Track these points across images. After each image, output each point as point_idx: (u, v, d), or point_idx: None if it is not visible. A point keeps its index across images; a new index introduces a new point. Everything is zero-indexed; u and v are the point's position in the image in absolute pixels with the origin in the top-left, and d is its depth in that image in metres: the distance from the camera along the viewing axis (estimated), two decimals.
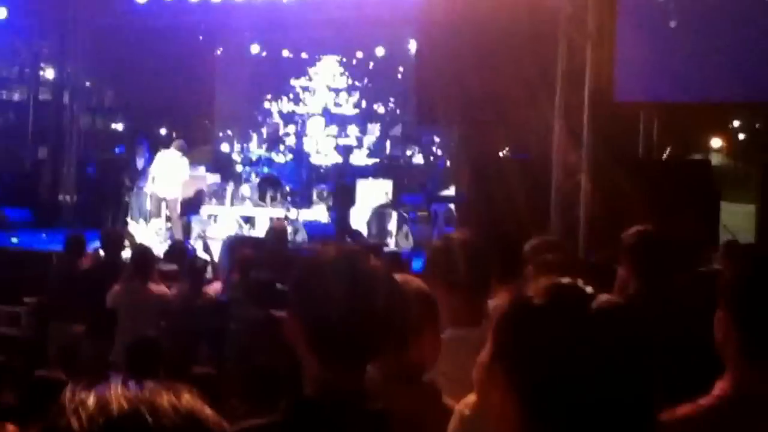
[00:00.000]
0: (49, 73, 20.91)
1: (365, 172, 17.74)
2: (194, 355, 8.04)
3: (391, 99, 20.34)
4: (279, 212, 15.74)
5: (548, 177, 11.62)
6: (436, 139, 19.32)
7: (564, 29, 11.55)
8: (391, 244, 14.77)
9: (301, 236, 14.83)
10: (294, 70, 20.83)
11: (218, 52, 21.23)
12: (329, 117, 20.22)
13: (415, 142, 19.38)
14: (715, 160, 21.55)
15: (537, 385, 1.42)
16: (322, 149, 19.34)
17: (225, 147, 20.57)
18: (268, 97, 20.88)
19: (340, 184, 16.04)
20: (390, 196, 16.35)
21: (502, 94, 11.35)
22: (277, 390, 5.14)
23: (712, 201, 11.34)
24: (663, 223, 5.56)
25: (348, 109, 20.56)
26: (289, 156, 18.69)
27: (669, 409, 1.97)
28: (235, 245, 11.20)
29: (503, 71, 11.43)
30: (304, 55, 20.76)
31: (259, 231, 14.97)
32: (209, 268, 9.98)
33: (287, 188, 16.89)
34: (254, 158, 18.62)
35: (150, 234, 14.85)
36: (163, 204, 15.20)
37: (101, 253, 10.14)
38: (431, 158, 19.09)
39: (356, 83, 20.60)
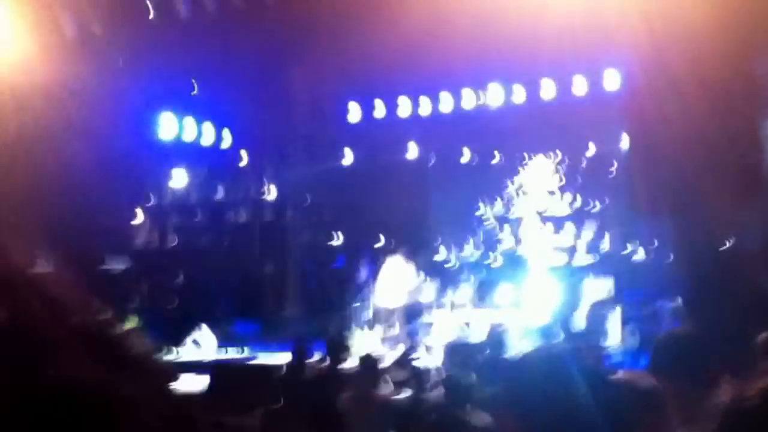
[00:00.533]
0: (271, 193, 22.05)
1: (585, 271, 17.41)
2: None
3: (607, 195, 19.99)
4: (498, 315, 15.66)
5: None
6: (656, 233, 18.75)
7: None
8: (616, 341, 14.34)
9: (522, 339, 14.65)
10: (506, 173, 20.96)
11: (431, 161, 21.74)
12: (544, 218, 20.10)
13: (635, 237, 18.88)
14: None
15: None
16: (538, 250, 19.19)
17: (442, 253, 20.80)
18: (482, 201, 21.06)
19: (565, 286, 15.78)
20: (612, 293, 15.94)
21: (722, 183, 10.98)
22: None
23: None
24: None
25: (563, 208, 20.37)
26: (505, 259, 18.66)
27: None
28: (457, 350, 11.21)
29: (722, 161, 11.10)
30: (515, 158, 20.89)
31: (479, 335, 14.92)
32: (434, 374, 10.03)
33: (506, 291, 16.82)
34: (471, 262, 18.71)
35: (374, 342, 15.12)
36: (386, 312, 15.50)
37: (327, 361, 10.40)
38: (652, 253, 18.48)
39: (569, 182, 20.42)
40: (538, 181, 20.63)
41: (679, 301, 13.82)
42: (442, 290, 17.55)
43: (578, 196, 20.29)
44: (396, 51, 14.73)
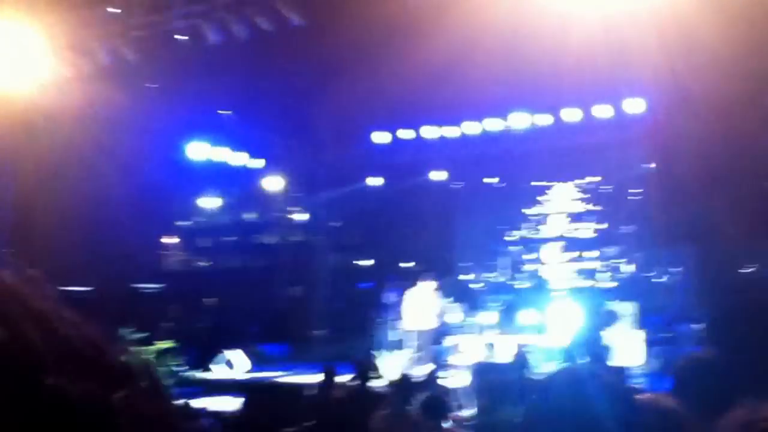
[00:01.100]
0: (299, 217, 22.36)
1: (608, 294, 17.53)
2: None
3: (629, 220, 20.16)
4: (524, 339, 15.80)
5: None
6: (678, 258, 18.88)
7: None
8: (639, 363, 14.49)
9: (546, 362, 14.81)
10: (530, 197, 21.18)
11: (456, 186, 21.99)
12: (568, 242, 20.30)
13: (656, 262, 19.02)
14: None
15: None
16: (562, 274, 19.38)
17: (467, 276, 20.99)
18: (507, 225, 21.27)
19: (589, 309, 15.86)
20: (635, 316, 16.06)
21: (743, 209, 11.13)
22: None
23: None
24: None
25: (586, 233, 20.56)
26: (530, 282, 18.82)
27: None
28: (482, 372, 11.39)
29: (743, 187, 11.24)
30: (539, 183, 21.11)
31: (504, 357, 15.07)
32: (459, 396, 10.22)
33: (530, 314, 16.95)
34: (495, 286, 18.88)
35: (399, 364, 15.32)
36: (411, 335, 15.73)
37: (357, 381, 10.59)
38: (675, 277, 18.60)
39: (592, 207, 20.63)
40: (563, 206, 20.84)
41: (701, 325, 13.93)
42: (468, 312, 17.74)
43: (602, 221, 20.48)
44: (422, 80, 15.01)
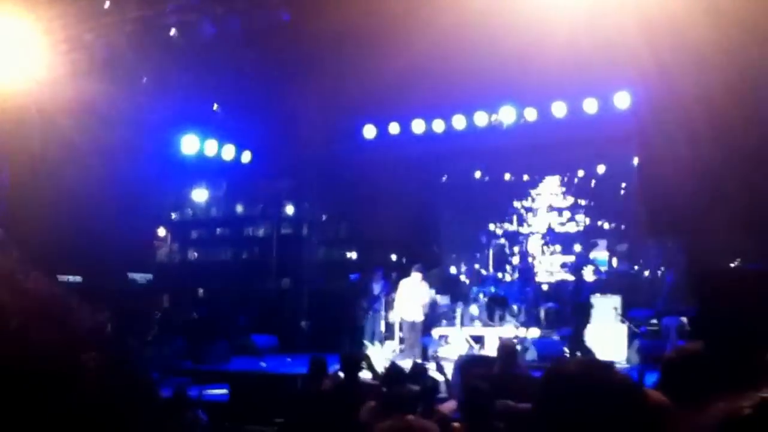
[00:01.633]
0: (289, 210, 22.44)
1: (592, 289, 17.67)
2: None
3: (616, 215, 20.33)
4: (508, 331, 15.95)
5: None
6: (662, 252, 19.05)
7: None
8: (621, 358, 14.64)
9: (531, 354, 14.97)
10: (516, 191, 21.32)
11: (443, 179, 22.10)
12: (553, 236, 20.46)
13: (641, 256, 19.19)
14: None
15: None
16: (547, 268, 19.53)
17: (453, 269, 21.12)
18: (492, 219, 21.41)
19: (577, 303, 16.00)
20: (619, 311, 16.22)
21: (730, 201, 11.23)
22: None
23: None
24: None
25: (572, 227, 20.73)
26: (515, 275, 18.96)
27: None
28: (466, 365, 11.51)
29: (730, 178, 11.35)
30: (525, 177, 21.25)
31: (489, 350, 15.22)
32: (443, 388, 10.31)
33: (515, 307, 17.09)
34: (481, 279, 19.01)
35: (385, 355, 15.45)
36: (398, 327, 15.86)
37: (341, 374, 10.70)
38: (659, 271, 18.78)
39: (579, 202, 20.78)
40: (548, 200, 20.99)
41: (684, 319, 14.09)
42: (452, 305, 17.87)
43: (587, 215, 20.64)
44: (410, 74, 15.08)
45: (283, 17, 13.39)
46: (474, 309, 17.40)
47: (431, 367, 13.08)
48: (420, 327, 16.02)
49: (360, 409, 8.84)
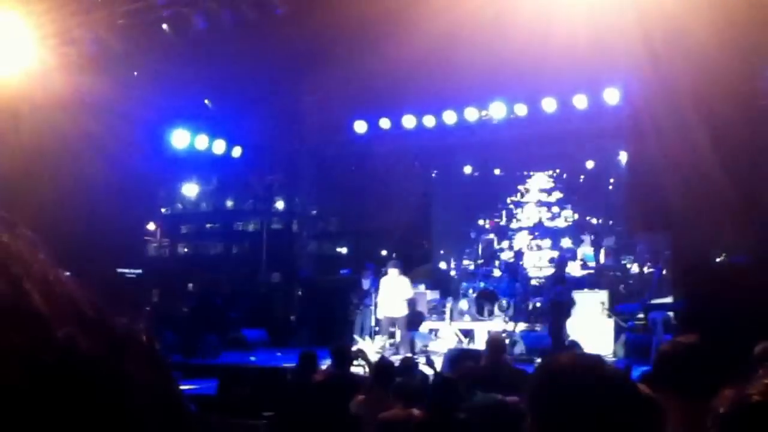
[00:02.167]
0: (279, 204, 22.48)
1: (580, 284, 17.75)
2: None
3: (604, 210, 20.43)
4: (497, 325, 16.01)
5: None
6: (651, 247, 19.13)
7: None
8: (608, 352, 14.73)
9: (519, 348, 15.04)
10: (506, 186, 21.40)
11: (433, 174, 22.16)
12: (542, 231, 20.54)
13: (629, 251, 19.28)
14: None
15: None
16: (535, 262, 19.61)
17: (443, 264, 21.17)
18: (482, 214, 21.49)
19: (554, 298, 16.09)
20: (606, 305, 16.30)
21: (717, 197, 11.30)
22: None
23: None
24: None
25: (560, 222, 20.82)
26: (504, 270, 19.01)
27: None
28: (456, 359, 11.56)
29: (717, 175, 11.41)
30: (515, 172, 21.33)
31: (479, 344, 15.28)
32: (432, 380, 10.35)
33: (504, 301, 17.14)
34: (471, 273, 19.07)
35: (375, 350, 15.48)
36: (388, 321, 15.91)
37: (332, 368, 10.72)
38: (646, 266, 18.86)
39: (568, 197, 20.88)
40: (537, 195, 21.08)
41: (671, 313, 14.17)
42: (441, 300, 17.93)
43: (575, 210, 20.74)
44: (401, 69, 15.13)
45: (276, 12, 13.41)
46: (463, 303, 17.46)
47: (421, 361, 13.15)
48: (404, 322, 16.06)
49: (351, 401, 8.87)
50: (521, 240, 20.59)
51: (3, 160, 14.62)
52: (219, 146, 19.65)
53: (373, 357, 13.73)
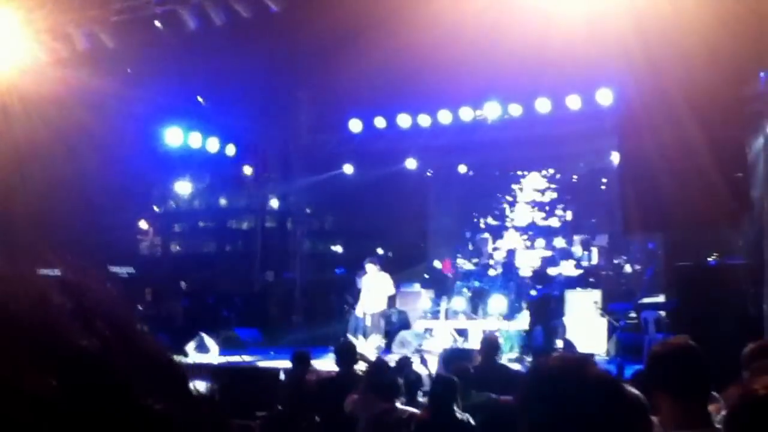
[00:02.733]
0: (273, 203, 22.42)
1: (573, 283, 17.77)
2: None
3: (596, 210, 20.45)
4: (491, 324, 16.02)
5: (762, 281, 11.42)
6: (642, 247, 19.16)
7: None
8: (601, 351, 14.75)
9: (514, 347, 15.05)
10: (500, 186, 21.41)
11: (428, 174, 22.15)
12: (536, 230, 20.56)
13: (622, 251, 19.30)
14: None
15: None
16: (529, 262, 19.61)
17: (437, 263, 21.17)
18: (477, 213, 21.49)
19: (540, 297, 16.06)
20: (598, 304, 16.31)
21: (709, 198, 11.31)
22: None
23: None
24: None
25: (554, 221, 20.84)
26: (499, 269, 19.02)
27: None
28: (450, 358, 11.56)
29: (710, 175, 11.42)
30: (509, 172, 21.34)
31: (473, 343, 15.28)
32: (427, 381, 10.34)
33: (498, 300, 17.14)
34: (465, 273, 19.06)
35: (369, 349, 15.48)
36: (382, 321, 15.91)
37: (335, 366, 10.60)
38: (639, 266, 18.89)
39: (561, 196, 20.90)
40: (531, 195, 21.09)
41: (662, 313, 14.19)
42: (436, 299, 17.92)
43: (569, 210, 20.76)
44: (397, 69, 15.12)
45: (270, 9, 13.37)
46: (458, 302, 17.46)
47: (415, 360, 13.14)
48: (378, 317, 16.04)
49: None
50: (515, 239, 20.59)
51: None
52: (212, 144, 19.58)
53: (372, 357, 13.73)
